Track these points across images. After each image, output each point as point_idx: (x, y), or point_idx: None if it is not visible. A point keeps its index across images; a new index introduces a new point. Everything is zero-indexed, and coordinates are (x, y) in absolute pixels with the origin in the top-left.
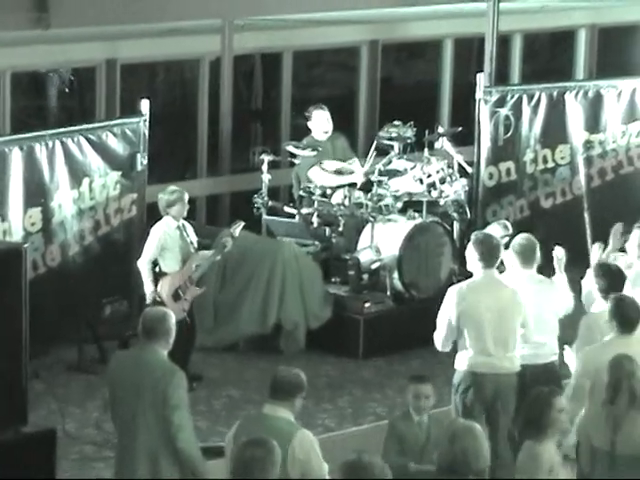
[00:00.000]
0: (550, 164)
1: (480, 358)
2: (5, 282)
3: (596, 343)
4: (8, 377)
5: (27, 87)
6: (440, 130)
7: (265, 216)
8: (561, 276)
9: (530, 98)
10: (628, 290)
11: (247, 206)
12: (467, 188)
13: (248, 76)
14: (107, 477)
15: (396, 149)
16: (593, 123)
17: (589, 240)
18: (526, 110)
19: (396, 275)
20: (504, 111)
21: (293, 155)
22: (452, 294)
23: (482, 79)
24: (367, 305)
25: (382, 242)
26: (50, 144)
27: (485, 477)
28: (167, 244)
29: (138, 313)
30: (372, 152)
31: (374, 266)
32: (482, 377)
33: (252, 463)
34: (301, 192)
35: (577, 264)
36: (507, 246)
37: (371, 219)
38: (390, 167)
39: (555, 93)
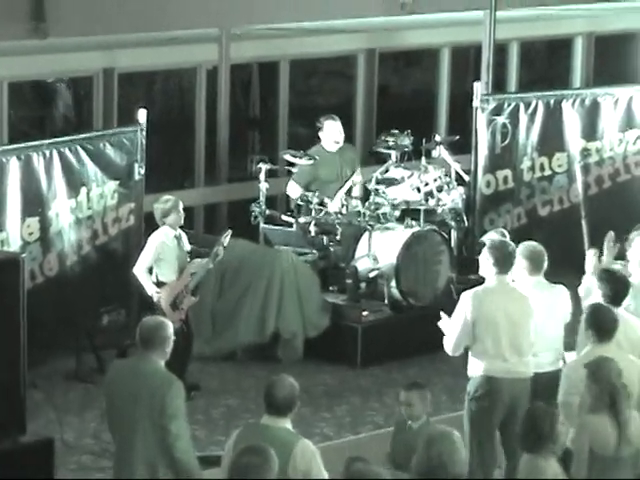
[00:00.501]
0: (547, 172)
1: (496, 363)
2: (3, 292)
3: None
4: (6, 386)
5: (25, 97)
6: (437, 138)
7: (263, 225)
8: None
9: (527, 106)
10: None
11: (245, 215)
12: (464, 196)
13: (245, 85)
14: None
15: (393, 157)
16: (590, 131)
17: (586, 248)
18: (523, 118)
19: (394, 283)
20: (501, 119)
21: (291, 164)
22: (467, 299)
23: (479, 87)
24: (365, 314)
25: (380, 250)
26: (48, 153)
27: None
28: (164, 254)
29: (136, 322)
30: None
31: (372, 274)
32: (499, 382)
33: (249, 470)
34: (298, 201)
35: (574, 272)
36: None
37: (369, 227)
38: (387, 175)
39: (552, 101)
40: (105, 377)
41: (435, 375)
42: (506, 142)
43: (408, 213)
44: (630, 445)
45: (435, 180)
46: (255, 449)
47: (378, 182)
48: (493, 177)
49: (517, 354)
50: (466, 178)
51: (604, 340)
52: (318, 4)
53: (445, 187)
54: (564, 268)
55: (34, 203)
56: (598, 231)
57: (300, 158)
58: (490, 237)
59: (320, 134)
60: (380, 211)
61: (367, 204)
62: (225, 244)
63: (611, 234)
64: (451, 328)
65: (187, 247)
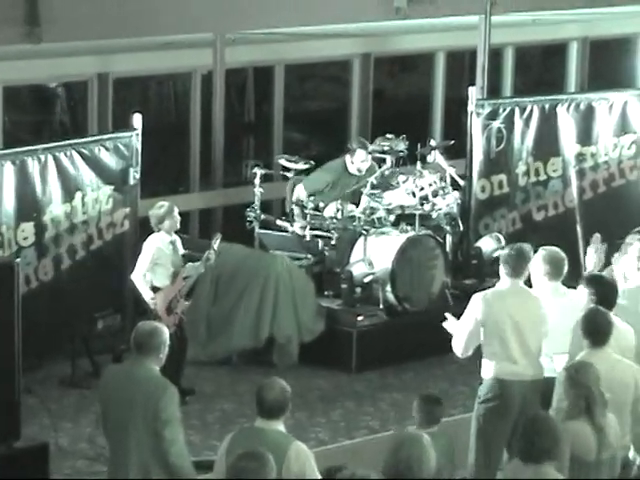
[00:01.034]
0: (542, 177)
1: (506, 366)
2: None
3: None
4: (1, 392)
5: (19, 101)
6: (432, 143)
7: (258, 229)
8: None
9: (522, 111)
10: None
11: (240, 219)
12: (459, 201)
13: (240, 89)
14: None
15: (388, 162)
16: (585, 136)
17: (581, 252)
18: (518, 123)
19: (389, 288)
20: (496, 124)
21: (286, 168)
22: (477, 301)
23: (474, 92)
24: (360, 318)
25: (375, 255)
26: (42, 158)
27: None
28: (160, 259)
29: (131, 327)
30: None
31: (367, 279)
32: (509, 385)
33: (246, 475)
34: (293, 205)
35: (569, 276)
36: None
37: (364, 232)
38: (383, 180)
39: (547, 106)
40: (100, 382)
41: (430, 380)
42: (501, 147)
43: (403, 218)
44: (609, 449)
45: (430, 185)
46: (253, 454)
47: (373, 187)
48: (488, 182)
49: (526, 357)
50: (461, 183)
51: (599, 344)
52: (313, 9)
53: (440, 192)
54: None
55: (29, 208)
56: (593, 236)
57: (295, 163)
58: (485, 242)
59: (348, 156)
60: (375, 216)
61: (362, 209)
62: (216, 248)
63: (597, 236)
64: (460, 330)
65: (181, 251)
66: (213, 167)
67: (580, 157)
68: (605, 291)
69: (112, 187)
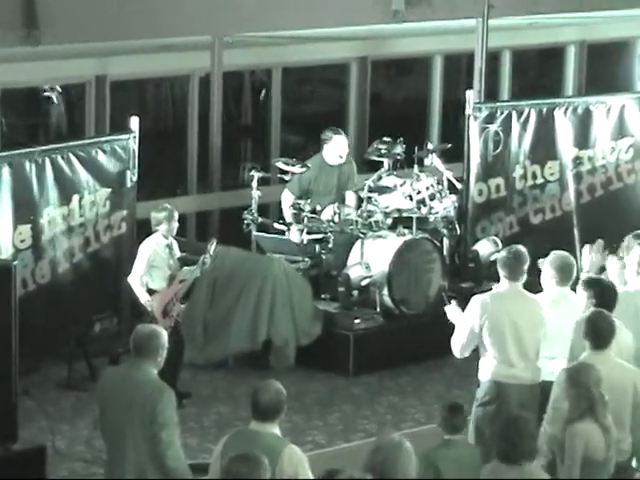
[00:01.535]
0: (539, 180)
1: (503, 368)
2: None
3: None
4: None
5: (16, 104)
6: (430, 146)
7: (255, 232)
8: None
9: (519, 114)
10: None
11: (237, 222)
12: (457, 204)
13: (238, 92)
14: None
15: (386, 165)
16: (582, 139)
17: (578, 256)
18: (515, 126)
19: (386, 291)
20: (493, 127)
21: (283, 171)
22: (476, 303)
23: (471, 95)
24: (357, 321)
25: (372, 258)
26: (39, 161)
27: None
28: (156, 262)
29: (128, 330)
30: None
31: (364, 282)
32: (506, 388)
33: (240, 477)
34: (291, 208)
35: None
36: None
37: (361, 235)
38: (380, 183)
39: (544, 109)
40: (98, 384)
41: (427, 383)
42: (498, 150)
43: (400, 221)
44: (612, 449)
45: (427, 188)
46: (246, 457)
47: (370, 190)
48: (485, 185)
49: (524, 360)
50: (458, 186)
51: (601, 347)
52: (311, 12)
53: (437, 195)
54: None
55: (26, 210)
56: (590, 239)
57: (293, 166)
58: (482, 245)
59: (325, 146)
60: (372, 219)
61: (359, 212)
62: (212, 252)
63: (600, 242)
64: (458, 331)
65: (177, 254)
66: (210, 170)
67: (577, 161)
68: (604, 294)
69: (109, 190)
